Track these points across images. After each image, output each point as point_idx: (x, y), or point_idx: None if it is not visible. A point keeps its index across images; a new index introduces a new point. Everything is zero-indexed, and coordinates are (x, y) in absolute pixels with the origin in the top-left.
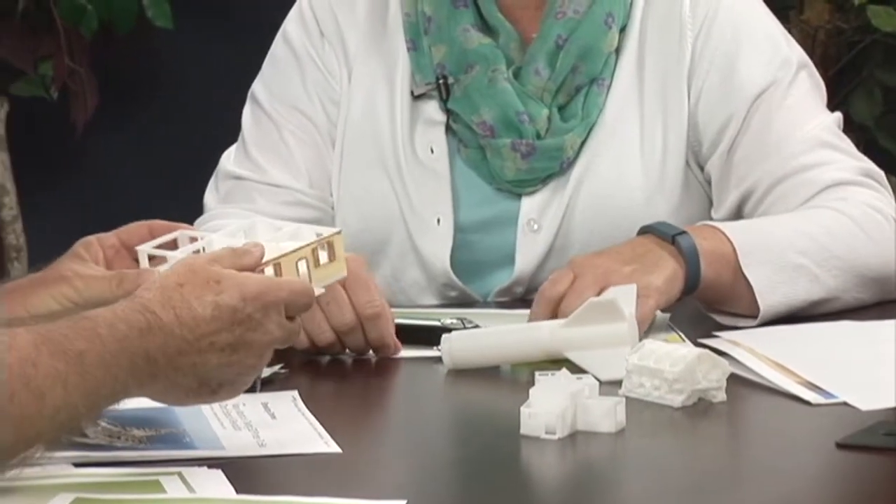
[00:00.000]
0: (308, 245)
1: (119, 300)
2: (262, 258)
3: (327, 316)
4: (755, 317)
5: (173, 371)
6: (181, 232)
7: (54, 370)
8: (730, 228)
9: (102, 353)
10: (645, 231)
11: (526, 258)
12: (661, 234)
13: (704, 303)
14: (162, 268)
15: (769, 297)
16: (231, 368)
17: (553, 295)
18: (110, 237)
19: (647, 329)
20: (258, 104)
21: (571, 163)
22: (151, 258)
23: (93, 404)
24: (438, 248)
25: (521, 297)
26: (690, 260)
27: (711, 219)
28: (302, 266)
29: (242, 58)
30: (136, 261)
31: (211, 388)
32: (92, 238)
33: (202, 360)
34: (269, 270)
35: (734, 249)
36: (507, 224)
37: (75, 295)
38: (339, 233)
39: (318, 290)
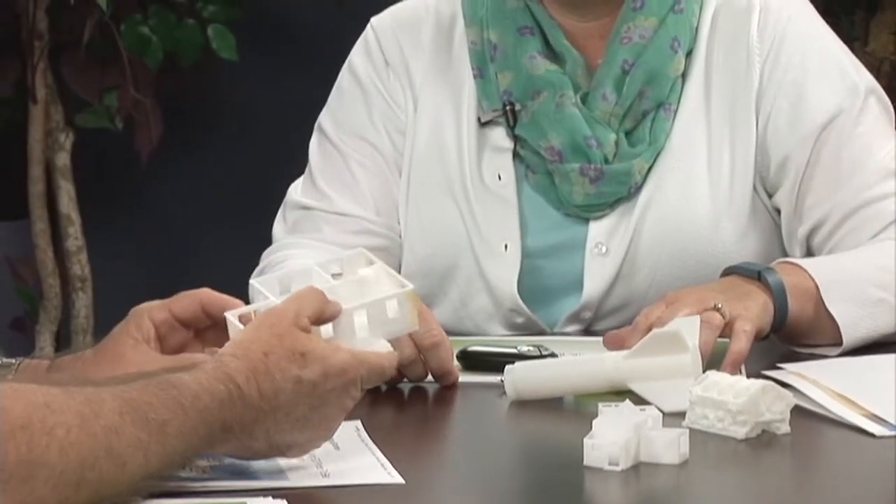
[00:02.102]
0: (388, 297)
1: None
2: (338, 314)
3: None
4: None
5: (247, 437)
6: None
7: (137, 439)
8: (809, 264)
9: (183, 424)
10: (728, 273)
11: (594, 282)
12: (745, 272)
13: (785, 338)
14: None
15: (853, 332)
16: (302, 435)
17: (648, 324)
18: (162, 311)
19: (716, 361)
20: (325, 135)
21: (639, 187)
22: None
23: (168, 468)
24: (506, 273)
25: (589, 323)
26: (778, 294)
27: (781, 245)
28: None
29: (307, 89)
30: (191, 333)
31: (280, 451)
32: (143, 311)
33: (276, 427)
34: (363, 315)
35: (816, 285)
36: (574, 249)
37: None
38: (412, 289)
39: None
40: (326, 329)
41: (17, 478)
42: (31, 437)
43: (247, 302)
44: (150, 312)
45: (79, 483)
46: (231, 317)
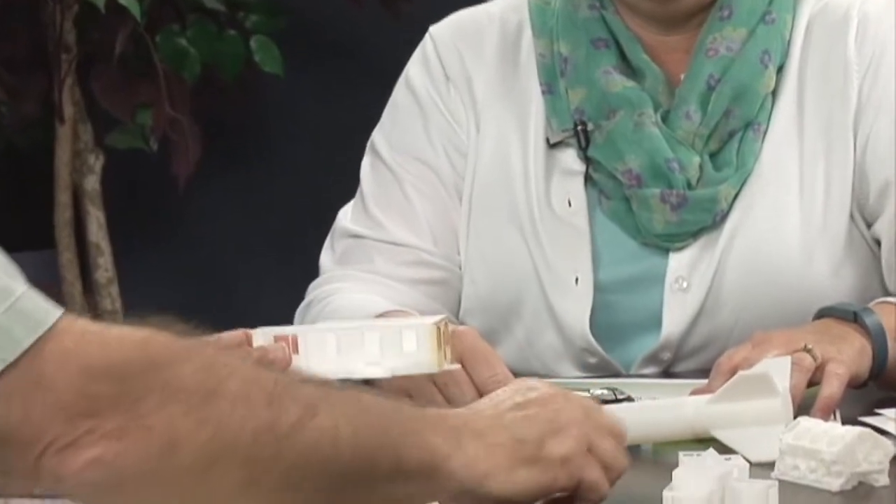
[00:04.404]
0: (405, 325)
1: None
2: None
3: (447, 398)
4: None
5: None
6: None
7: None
8: None
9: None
10: (822, 315)
11: (674, 319)
12: (840, 313)
13: (885, 384)
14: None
15: None
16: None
17: (733, 365)
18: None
19: (808, 406)
20: (377, 155)
21: (724, 215)
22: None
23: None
24: (576, 309)
25: (669, 364)
26: (876, 337)
27: (881, 279)
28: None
29: (360, 106)
30: None
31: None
32: None
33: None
34: (374, 337)
35: None
36: (652, 283)
37: None
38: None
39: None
40: (329, 346)
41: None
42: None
43: None
44: None
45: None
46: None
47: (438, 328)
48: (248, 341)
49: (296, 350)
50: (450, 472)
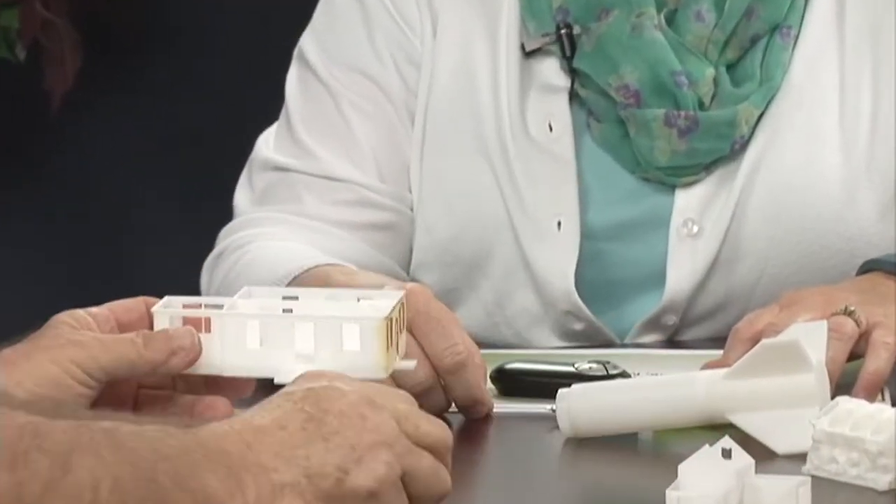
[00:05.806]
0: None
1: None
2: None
3: (394, 376)
4: None
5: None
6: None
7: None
8: None
9: None
10: (867, 269)
11: (681, 273)
12: (890, 267)
13: None
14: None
15: None
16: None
17: (755, 332)
18: (103, 311)
19: (848, 383)
20: (308, 66)
21: (745, 143)
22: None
23: None
24: (559, 261)
25: (674, 331)
26: None
27: None
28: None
29: (286, 3)
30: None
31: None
32: (78, 311)
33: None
34: (308, 329)
35: None
36: (654, 227)
37: (89, 360)
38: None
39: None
40: (250, 335)
41: None
42: None
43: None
44: (89, 313)
45: None
46: (163, 313)
47: (390, 322)
48: (149, 316)
49: (208, 330)
50: None
